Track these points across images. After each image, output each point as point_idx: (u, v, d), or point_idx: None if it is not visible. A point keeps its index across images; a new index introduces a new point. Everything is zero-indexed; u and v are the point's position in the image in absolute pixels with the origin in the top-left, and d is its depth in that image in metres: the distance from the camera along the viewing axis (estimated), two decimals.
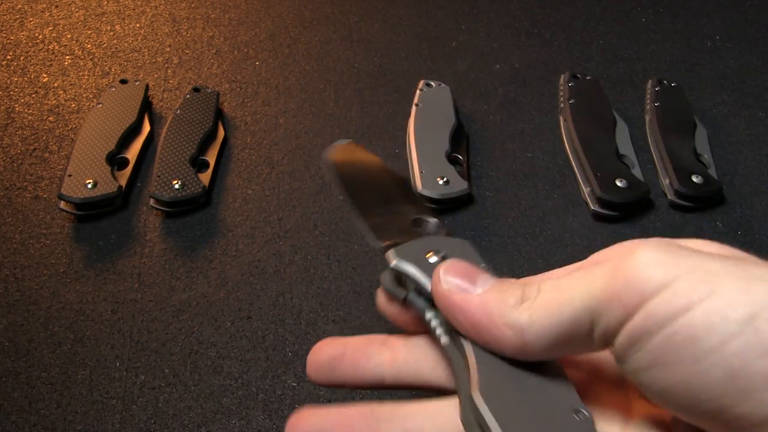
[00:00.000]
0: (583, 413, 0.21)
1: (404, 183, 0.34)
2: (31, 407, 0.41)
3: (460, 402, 0.21)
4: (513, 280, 0.22)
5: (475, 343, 0.22)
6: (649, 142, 0.60)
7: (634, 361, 0.19)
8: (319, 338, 0.48)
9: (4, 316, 0.46)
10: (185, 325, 0.46)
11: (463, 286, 0.22)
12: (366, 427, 0.22)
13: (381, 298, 0.27)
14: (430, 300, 0.24)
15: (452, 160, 0.55)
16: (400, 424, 0.22)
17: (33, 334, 0.45)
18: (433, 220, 0.30)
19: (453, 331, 0.23)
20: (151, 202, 0.52)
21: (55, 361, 0.43)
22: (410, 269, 0.25)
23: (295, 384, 0.43)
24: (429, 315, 0.24)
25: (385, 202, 0.31)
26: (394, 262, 0.25)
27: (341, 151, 0.32)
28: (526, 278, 0.27)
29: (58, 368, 0.43)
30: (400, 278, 0.26)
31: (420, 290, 0.25)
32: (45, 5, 0.72)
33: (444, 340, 0.23)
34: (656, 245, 0.19)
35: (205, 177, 0.54)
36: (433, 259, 0.25)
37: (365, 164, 0.33)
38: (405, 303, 0.25)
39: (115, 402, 0.42)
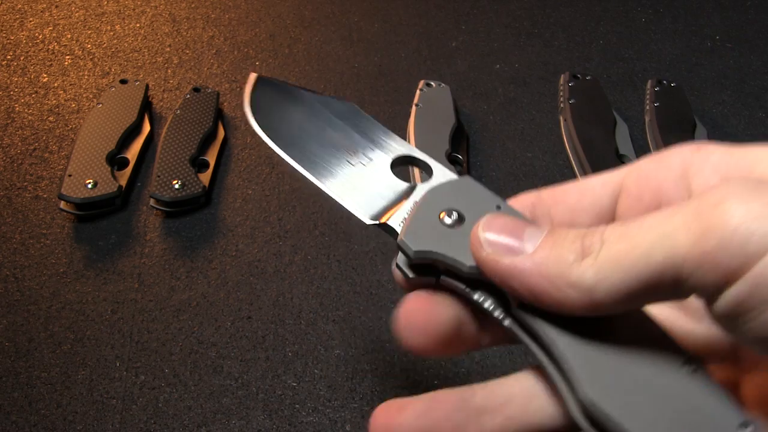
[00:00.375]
0: (693, 362, 0.18)
1: (355, 113, 0.27)
2: (31, 407, 0.41)
3: (564, 398, 0.19)
4: (567, 229, 0.19)
5: (542, 313, 0.19)
6: (649, 142, 0.60)
7: (749, 331, 0.16)
8: (319, 338, 0.47)
9: (4, 316, 0.46)
10: (185, 325, 0.46)
11: (509, 245, 0.19)
12: (465, 419, 0.20)
13: (404, 284, 0.22)
14: (467, 279, 0.21)
15: (452, 160, 0.55)
16: (500, 411, 0.20)
17: (33, 334, 0.45)
18: (420, 157, 0.25)
19: (512, 309, 0.20)
20: (151, 202, 0.52)
21: (55, 361, 0.43)
22: (436, 251, 0.21)
23: (295, 384, 0.43)
24: (477, 295, 0.21)
25: (351, 154, 0.25)
26: (413, 250, 0.21)
27: (261, 103, 0.26)
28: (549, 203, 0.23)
29: (58, 368, 0.43)
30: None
31: (453, 270, 0.21)
32: (45, 5, 0.72)
33: (507, 322, 0.20)
34: (746, 192, 0.16)
35: (205, 177, 0.54)
36: (448, 219, 0.21)
37: (300, 108, 0.26)
38: (437, 285, 0.22)
39: (115, 402, 0.41)
